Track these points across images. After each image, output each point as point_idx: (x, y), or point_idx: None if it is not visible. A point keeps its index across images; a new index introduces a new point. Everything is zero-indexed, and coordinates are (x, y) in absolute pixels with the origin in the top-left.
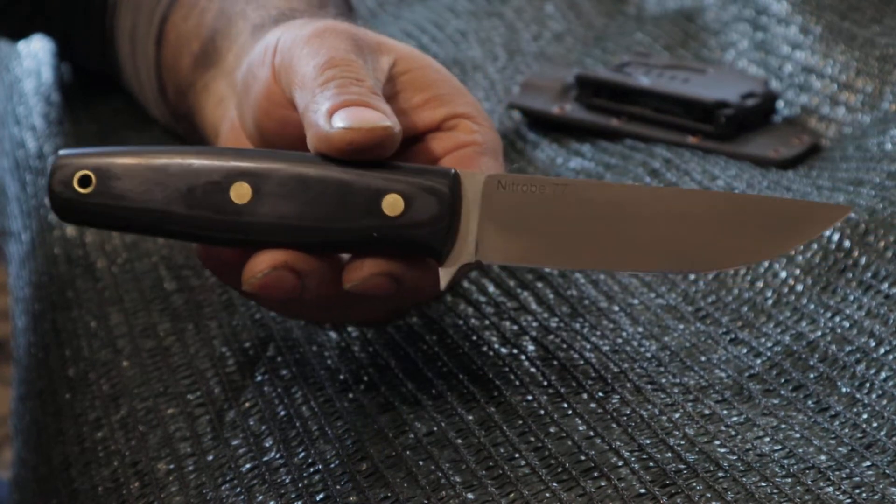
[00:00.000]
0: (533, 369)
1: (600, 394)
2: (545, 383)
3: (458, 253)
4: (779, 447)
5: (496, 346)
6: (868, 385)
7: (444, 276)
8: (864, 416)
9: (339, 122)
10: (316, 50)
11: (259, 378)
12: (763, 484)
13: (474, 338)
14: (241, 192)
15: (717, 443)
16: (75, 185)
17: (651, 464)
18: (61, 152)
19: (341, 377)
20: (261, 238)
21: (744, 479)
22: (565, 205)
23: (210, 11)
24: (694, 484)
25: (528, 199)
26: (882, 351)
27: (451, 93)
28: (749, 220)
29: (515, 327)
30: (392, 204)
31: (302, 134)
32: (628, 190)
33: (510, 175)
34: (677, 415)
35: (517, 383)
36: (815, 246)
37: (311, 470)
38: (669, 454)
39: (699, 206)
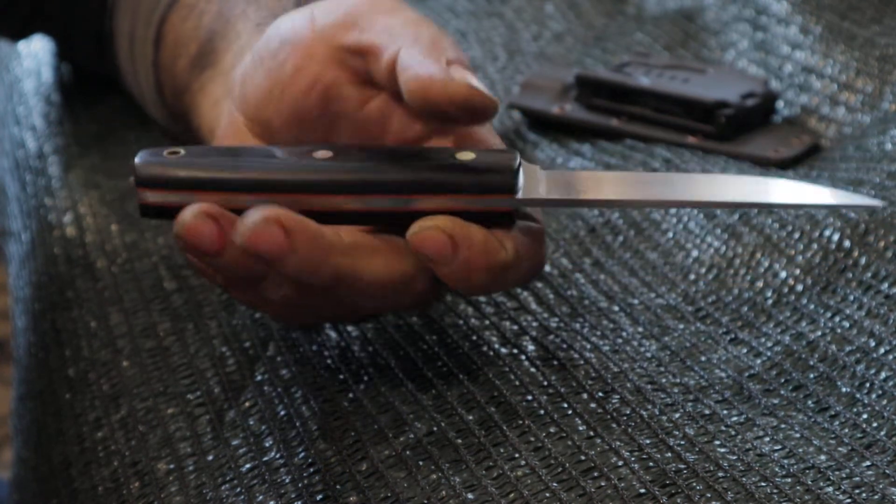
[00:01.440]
0: (533, 369)
1: (600, 394)
2: (545, 383)
3: (530, 188)
4: (779, 447)
5: (496, 346)
6: (868, 385)
7: (517, 203)
8: (864, 416)
9: (462, 76)
10: (393, 8)
11: (259, 378)
12: (763, 484)
13: (474, 338)
14: (324, 152)
15: (717, 443)
16: (165, 155)
17: (651, 464)
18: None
19: (341, 377)
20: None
21: (744, 478)
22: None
23: (208, 14)
24: (694, 484)
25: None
26: (882, 351)
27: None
28: None
29: (515, 327)
30: (465, 155)
31: (330, 94)
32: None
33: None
34: (677, 415)
35: (517, 383)
36: (815, 246)
37: (311, 470)
38: (669, 454)
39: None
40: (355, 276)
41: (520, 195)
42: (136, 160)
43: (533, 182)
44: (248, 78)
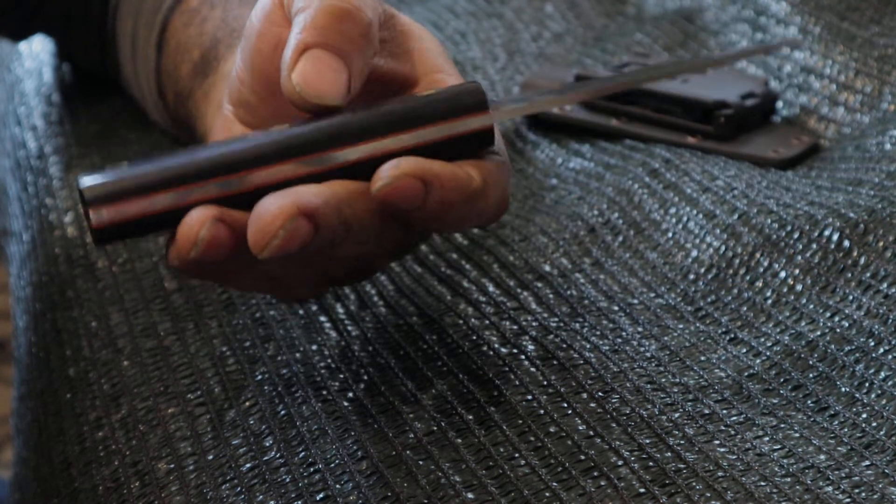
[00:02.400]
0: (533, 369)
1: (600, 394)
2: (545, 383)
3: (499, 108)
4: (778, 447)
5: (496, 346)
6: (868, 385)
7: (494, 116)
8: (864, 415)
9: (298, 76)
10: None
11: (259, 377)
12: (762, 483)
13: (474, 338)
14: None
15: (717, 442)
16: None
17: (651, 463)
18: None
19: (341, 377)
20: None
21: (743, 478)
22: None
23: (211, 20)
24: (693, 483)
25: None
26: (882, 351)
27: (440, 53)
28: None
29: (515, 327)
30: (428, 91)
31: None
32: None
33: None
34: (677, 414)
35: (517, 383)
36: (814, 246)
37: (311, 470)
38: (669, 454)
39: None
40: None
41: (491, 107)
42: (80, 184)
43: (500, 102)
44: (230, 65)
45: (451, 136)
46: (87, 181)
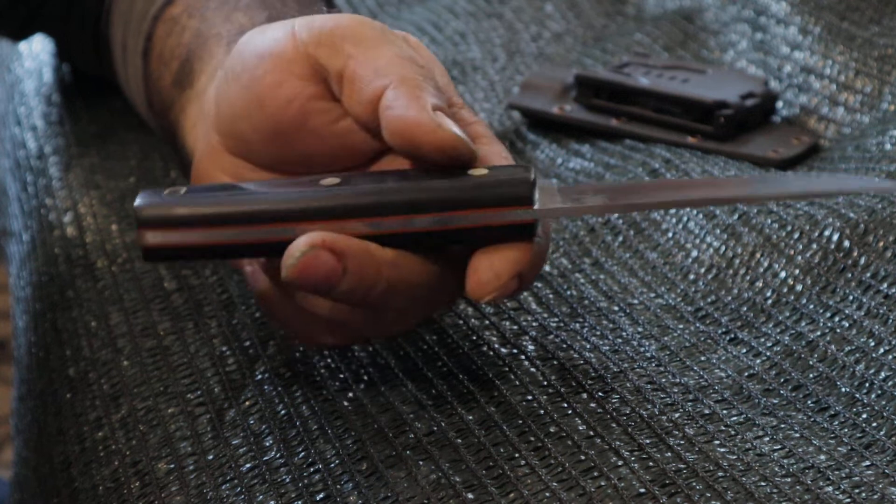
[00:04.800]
0: (533, 369)
1: (600, 394)
2: (545, 383)
3: (546, 200)
4: (778, 447)
5: (496, 346)
6: (868, 385)
7: (539, 214)
8: (864, 415)
9: (448, 124)
10: (380, 37)
11: (259, 377)
12: (762, 483)
13: (474, 338)
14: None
15: (717, 442)
16: (165, 195)
17: (651, 463)
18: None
19: (341, 377)
20: (348, 216)
21: (743, 478)
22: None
23: (189, 30)
24: (693, 483)
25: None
26: (882, 351)
27: (448, 82)
28: None
29: (515, 327)
30: (478, 171)
31: (308, 109)
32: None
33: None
34: (677, 414)
35: (517, 383)
36: (814, 246)
37: (311, 470)
38: (669, 454)
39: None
40: (405, 284)
41: (537, 206)
42: (137, 202)
43: (548, 194)
44: (222, 94)
45: (491, 225)
46: (143, 201)
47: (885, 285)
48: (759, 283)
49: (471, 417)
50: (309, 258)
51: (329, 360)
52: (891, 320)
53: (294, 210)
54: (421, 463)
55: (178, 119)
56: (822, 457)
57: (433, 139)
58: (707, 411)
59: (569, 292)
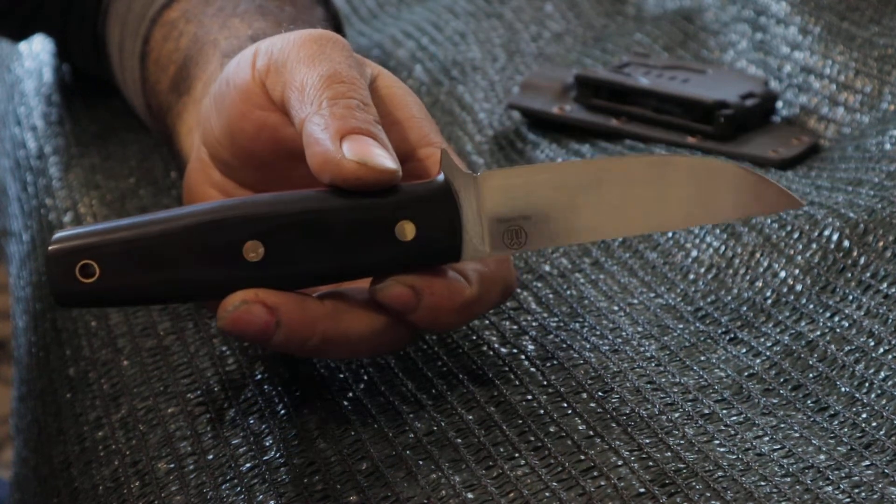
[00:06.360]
0: (533, 369)
1: (600, 393)
2: (545, 383)
3: (470, 251)
4: (778, 447)
5: (496, 346)
6: (867, 385)
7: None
8: (864, 415)
9: (351, 153)
10: (315, 56)
11: (259, 377)
12: (762, 483)
13: (474, 338)
14: (255, 252)
15: (717, 442)
16: (78, 276)
17: (650, 463)
18: (55, 237)
19: (341, 377)
20: (277, 286)
21: (743, 478)
22: (551, 187)
23: (186, 36)
24: (693, 483)
25: (516, 190)
26: (881, 351)
27: (425, 118)
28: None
29: (515, 327)
30: (404, 230)
31: (278, 136)
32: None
33: (497, 171)
34: (676, 414)
35: (517, 383)
36: (814, 246)
37: (311, 470)
38: (669, 454)
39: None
40: (342, 337)
41: (463, 257)
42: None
43: (476, 231)
44: (207, 117)
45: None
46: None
47: (885, 285)
48: (759, 283)
49: (471, 417)
50: (242, 312)
51: (329, 360)
52: (891, 320)
53: (209, 286)
54: (421, 463)
55: (175, 124)
56: (822, 457)
57: (339, 173)
58: (707, 411)
59: (569, 292)
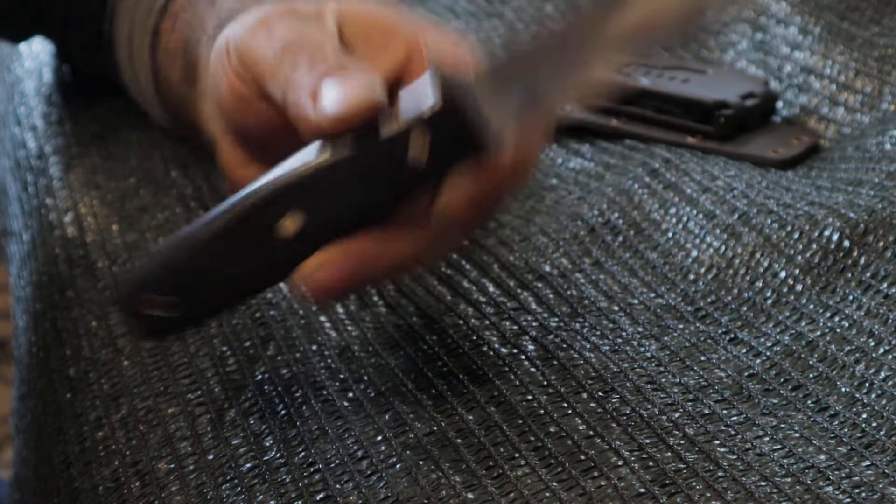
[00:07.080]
0: (533, 369)
1: (600, 393)
2: (545, 383)
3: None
4: (778, 447)
5: (496, 346)
6: (868, 385)
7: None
8: (864, 415)
9: (328, 105)
10: (268, 37)
11: (259, 377)
12: (763, 483)
13: (474, 338)
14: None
15: (717, 442)
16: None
17: (651, 463)
18: (122, 281)
19: (341, 377)
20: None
21: (743, 478)
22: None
23: (183, 24)
24: (693, 483)
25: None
26: (882, 351)
27: (398, 24)
28: None
29: (515, 327)
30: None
31: (282, 121)
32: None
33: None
34: (677, 414)
35: (517, 383)
36: (814, 246)
37: (311, 470)
38: (669, 454)
39: None
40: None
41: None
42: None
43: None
44: (211, 116)
45: None
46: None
47: (885, 285)
48: (759, 283)
49: (471, 417)
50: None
51: (329, 360)
52: (891, 320)
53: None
54: (421, 463)
55: (195, 115)
56: (822, 457)
57: (317, 128)
58: (707, 411)
59: (569, 292)
